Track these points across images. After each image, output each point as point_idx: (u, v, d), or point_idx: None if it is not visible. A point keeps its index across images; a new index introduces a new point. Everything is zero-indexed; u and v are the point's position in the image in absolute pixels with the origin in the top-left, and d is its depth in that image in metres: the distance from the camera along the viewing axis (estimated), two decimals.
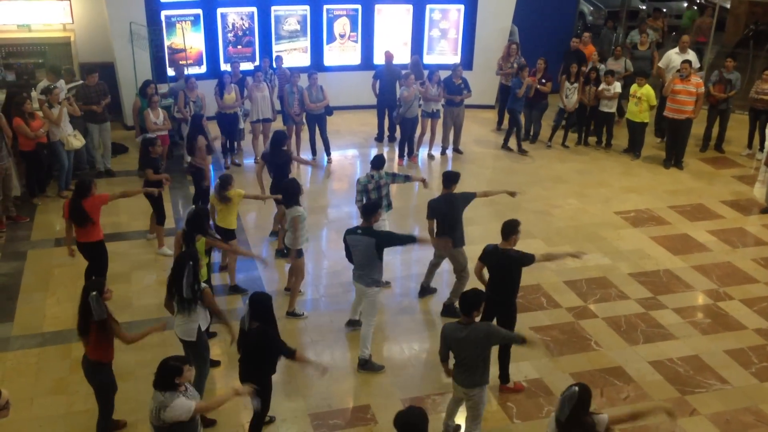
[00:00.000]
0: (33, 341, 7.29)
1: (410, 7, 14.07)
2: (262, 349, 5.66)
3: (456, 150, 12.55)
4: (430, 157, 12.39)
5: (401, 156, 12.11)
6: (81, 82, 10.78)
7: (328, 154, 12.02)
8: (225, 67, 12.82)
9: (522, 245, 6.61)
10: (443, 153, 12.47)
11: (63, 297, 8.02)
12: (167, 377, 4.81)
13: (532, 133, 13.12)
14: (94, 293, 5.52)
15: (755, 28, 17.76)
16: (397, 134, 12.31)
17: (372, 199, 8.12)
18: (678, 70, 11.82)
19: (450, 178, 7.75)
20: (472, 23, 14.16)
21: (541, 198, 10.90)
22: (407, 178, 8.81)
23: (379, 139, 12.98)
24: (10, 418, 6.25)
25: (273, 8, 13.33)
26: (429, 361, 7.21)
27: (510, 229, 6.60)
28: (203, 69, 12.98)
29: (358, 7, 13.86)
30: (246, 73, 11.87)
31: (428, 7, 14.12)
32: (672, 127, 11.99)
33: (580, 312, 8.10)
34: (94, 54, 12.45)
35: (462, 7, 14.12)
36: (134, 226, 9.61)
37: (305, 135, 11.88)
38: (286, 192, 7.66)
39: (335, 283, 8.50)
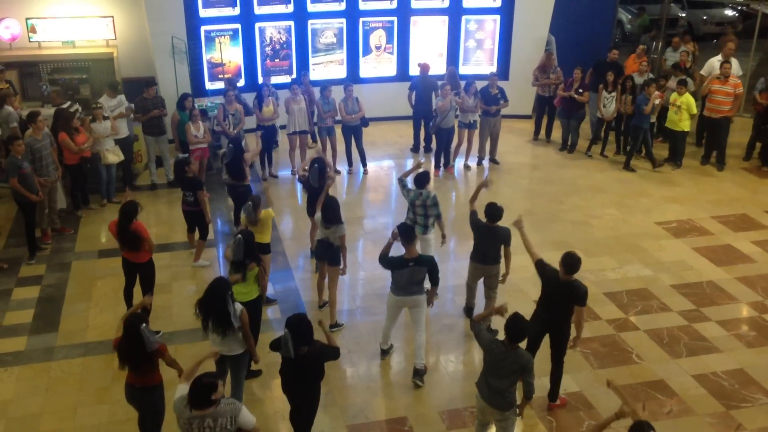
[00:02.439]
0: (77, 351, 7.44)
1: (446, 18, 14.09)
2: (319, 369, 5.70)
3: (492, 160, 12.49)
4: (467, 167, 12.36)
5: (437, 167, 12.09)
6: (126, 104, 11.05)
7: (365, 165, 12.07)
8: (263, 80, 13.01)
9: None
10: (479, 163, 12.43)
11: (106, 307, 8.18)
12: (204, 394, 4.82)
13: (569, 143, 13.00)
14: (144, 325, 5.54)
15: None
16: (433, 145, 12.31)
17: (417, 215, 8.09)
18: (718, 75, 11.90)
19: (494, 214, 7.45)
20: (509, 33, 14.12)
21: (579, 208, 10.78)
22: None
23: (415, 149, 13.00)
24: (55, 426, 6.42)
25: (310, 21, 13.48)
26: (467, 373, 7.17)
27: (575, 266, 6.28)
28: (242, 82, 13.17)
29: (394, 19, 13.93)
30: (278, 86, 11.97)
31: (464, 17, 14.13)
32: (710, 126, 12.18)
33: (621, 324, 7.97)
34: (136, 69, 12.75)
35: (498, 17, 14.09)
36: (175, 237, 9.76)
37: (341, 146, 11.96)
38: (329, 210, 7.59)
39: (371, 294, 8.51)
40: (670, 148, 12.47)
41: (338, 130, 11.86)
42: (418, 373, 6.98)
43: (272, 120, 11.57)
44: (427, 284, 7.07)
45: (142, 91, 11.03)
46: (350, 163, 12.04)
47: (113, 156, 10.59)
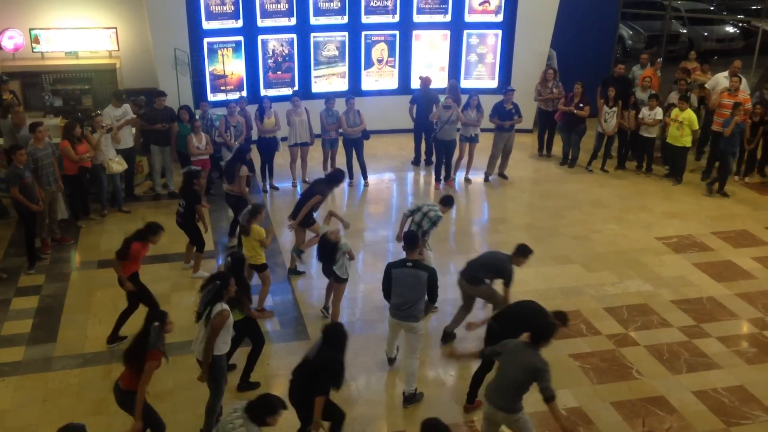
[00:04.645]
0: (74, 362, 7.41)
1: (447, 32, 14.17)
2: (319, 376, 5.69)
3: (501, 175, 12.49)
4: (467, 181, 12.37)
5: (437, 179, 12.11)
6: (131, 115, 11.08)
7: (365, 177, 12.09)
8: (265, 92, 13.07)
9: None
10: (486, 179, 12.41)
11: (105, 318, 8.15)
12: (262, 411, 4.83)
13: (570, 158, 13.02)
14: (157, 324, 5.59)
15: None
16: (434, 158, 12.33)
17: (423, 229, 8.05)
18: (728, 88, 11.96)
19: (524, 252, 7.33)
20: (510, 48, 14.19)
21: (580, 222, 10.78)
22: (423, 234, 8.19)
23: (416, 162, 13.01)
24: None
25: (312, 35, 13.55)
26: (466, 386, 7.13)
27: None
28: (243, 94, 13.20)
29: (396, 32, 14.01)
30: (274, 99, 11.98)
31: (466, 32, 14.21)
32: (717, 140, 12.03)
33: (620, 339, 7.94)
34: (139, 80, 12.82)
35: (500, 31, 14.17)
36: (175, 248, 9.75)
37: (342, 159, 11.97)
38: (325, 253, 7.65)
39: (371, 307, 8.49)
40: (670, 163, 12.48)
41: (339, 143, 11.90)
42: (408, 400, 6.89)
43: (273, 132, 11.60)
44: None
45: (151, 101, 11.09)
46: (351, 176, 12.06)
47: (117, 165, 10.62)
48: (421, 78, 12.61)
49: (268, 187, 11.79)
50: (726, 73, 12.55)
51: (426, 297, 6.79)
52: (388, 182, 12.40)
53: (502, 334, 6.14)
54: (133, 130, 11.15)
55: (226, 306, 6.10)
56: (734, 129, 11.41)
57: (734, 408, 6.90)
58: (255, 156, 11.77)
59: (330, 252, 7.62)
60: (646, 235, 10.44)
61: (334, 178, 9.20)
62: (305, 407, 5.73)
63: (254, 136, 11.71)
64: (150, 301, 7.59)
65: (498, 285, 7.49)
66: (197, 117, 11.12)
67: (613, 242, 10.21)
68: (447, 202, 8.30)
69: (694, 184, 12.27)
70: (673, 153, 12.23)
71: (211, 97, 12.88)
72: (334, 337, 5.70)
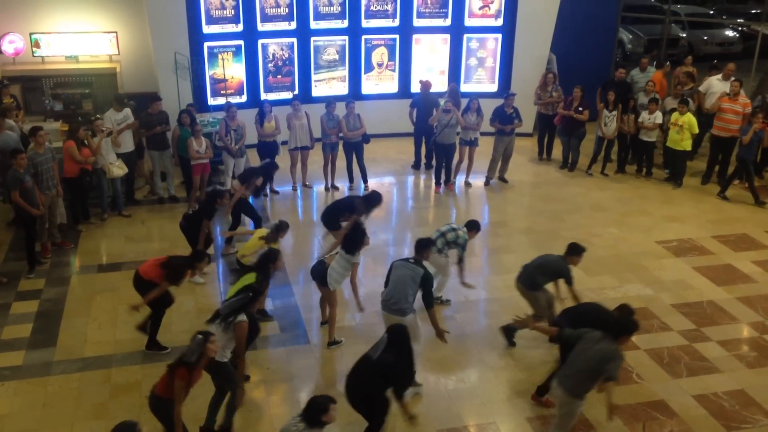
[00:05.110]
0: (74, 366, 7.41)
1: (447, 36, 14.19)
2: (387, 378, 5.81)
3: (501, 179, 12.50)
4: (467, 184, 12.37)
5: (437, 183, 12.11)
6: (130, 120, 11.07)
7: (365, 181, 12.09)
8: (265, 96, 13.09)
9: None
10: (487, 183, 12.41)
11: (104, 322, 8.16)
12: (315, 413, 5.01)
13: (570, 162, 13.03)
14: (201, 336, 5.55)
15: None
16: (434, 162, 12.34)
17: (449, 244, 8.20)
18: (727, 93, 11.96)
19: (576, 251, 7.53)
20: (510, 52, 14.21)
21: (580, 226, 10.78)
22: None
23: (416, 166, 13.02)
24: None
25: (312, 38, 13.57)
26: (466, 390, 7.13)
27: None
28: (244, 98, 13.23)
29: (396, 36, 14.03)
30: (273, 102, 11.99)
31: (466, 36, 14.23)
32: (718, 145, 12.07)
33: None
34: (139, 84, 12.83)
35: (499, 35, 14.19)
36: (176, 252, 9.72)
37: (342, 163, 11.98)
38: (353, 240, 7.55)
39: (371, 311, 8.46)
40: (670, 167, 12.49)
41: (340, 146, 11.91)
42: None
43: (273, 136, 11.60)
44: (419, 304, 7.01)
45: (147, 106, 11.09)
46: (351, 179, 12.06)
47: (118, 169, 10.64)
48: (421, 82, 12.62)
49: (268, 191, 11.79)
50: (719, 76, 12.57)
51: (412, 299, 6.86)
52: (389, 186, 12.40)
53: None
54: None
55: (245, 317, 6.26)
56: (753, 137, 11.25)
57: (735, 412, 6.90)
58: (255, 160, 11.81)
59: (322, 275, 7.57)
60: (646, 238, 10.44)
61: (373, 201, 9.14)
62: (369, 405, 5.88)
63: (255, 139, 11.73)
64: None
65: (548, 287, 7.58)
66: (198, 121, 11.14)
67: (614, 246, 10.21)
68: (473, 226, 8.36)
69: (694, 187, 12.28)
70: (673, 157, 12.24)
71: (211, 101, 12.90)
72: (400, 338, 5.81)
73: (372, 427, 6.00)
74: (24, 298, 8.65)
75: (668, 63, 13.92)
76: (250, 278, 6.96)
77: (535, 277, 7.49)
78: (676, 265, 9.69)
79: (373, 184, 12.17)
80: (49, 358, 7.52)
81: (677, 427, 6.70)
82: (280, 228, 8.10)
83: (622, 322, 5.99)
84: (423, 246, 7.13)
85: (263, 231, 8.27)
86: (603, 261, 9.75)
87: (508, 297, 8.65)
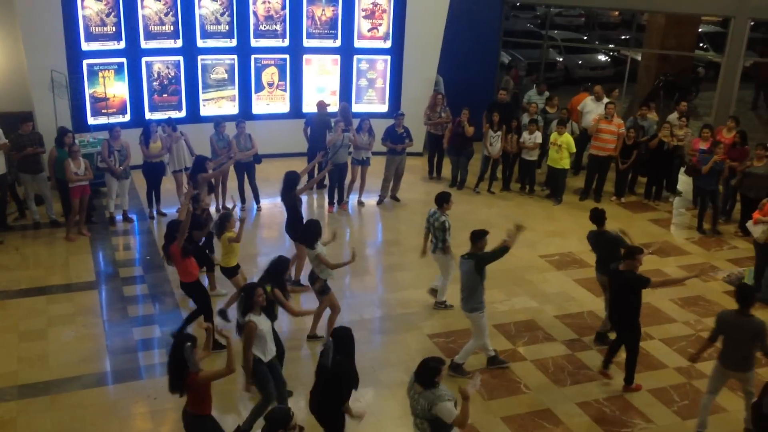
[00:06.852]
0: None
1: (338, 57, 14.31)
2: (339, 380, 5.86)
3: (393, 197, 12.67)
4: (360, 204, 12.46)
5: (330, 203, 12.13)
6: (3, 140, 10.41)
7: (258, 202, 11.93)
8: (150, 115, 12.68)
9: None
10: (380, 202, 12.54)
11: None
12: (429, 376, 5.34)
13: (459, 180, 13.40)
14: (189, 344, 5.39)
15: (665, 79, 18.85)
16: (326, 181, 12.35)
17: (436, 235, 8.71)
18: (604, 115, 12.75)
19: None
20: (399, 73, 14.51)
21: (468, 243, 11.02)
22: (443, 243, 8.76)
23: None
24: None
25: (200, 57, 13.31)
26: (361, 409, 7.11)
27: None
28: (127, 118, 12.76)
29: (287, 56, 14.00)
30: (160, 123, 11.62)
31: (356, 57, 14.40)
32: (595, 164, 12.89)
33: (509, 355, 8.19)
34: (12, 103, 12.05)
35: (388, 57, 14.46)
36: (52, 280, 9.23)
37: (233, 183, 11.76)
38: (309, 233, 7.86)
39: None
40: (551, 185, 13.10)
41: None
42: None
43: (159, 156, 11.24)
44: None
45: (17, 127, 10.46)
46: (243, 200, 11.86)
47: None
48: (318, 103, 12.67)
49: (155, 213, 11.40)
50: (593, 97, 13.48)
51: (481, 290, 7.58)
52: (281, 207, 12.19)
53: None
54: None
55: (252, 317, 6.28)
56: (713, 167, 11.37)
57: (615, 417, 7.26)
58: (141, 181, 11.39)
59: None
60: (531, 253, 10.87)
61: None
62: (326, 414, 5.97)
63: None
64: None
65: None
66: (76, 141, 10.63)
67: (501, 261, 10.31)
68: (440, 199, 8.77)
69: (573, 203, 12.91)
70: (554, 175, 12.86)
71: (91, 120, 12.36)
72: (345, 341, 5.84)
73: None
74: None
75: (617, 90, 14.81)
76: None
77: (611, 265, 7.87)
78: (558, 278, 10.14)
79: (266, 204, 12.03)
80: None
81: None
82: (222, 220, 8.27)
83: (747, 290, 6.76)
84: (477, 237, 7.68)
85: (229, 234, 8.25)
86: (491, 275, 9.86)
87: (402, 314, 8.75)
